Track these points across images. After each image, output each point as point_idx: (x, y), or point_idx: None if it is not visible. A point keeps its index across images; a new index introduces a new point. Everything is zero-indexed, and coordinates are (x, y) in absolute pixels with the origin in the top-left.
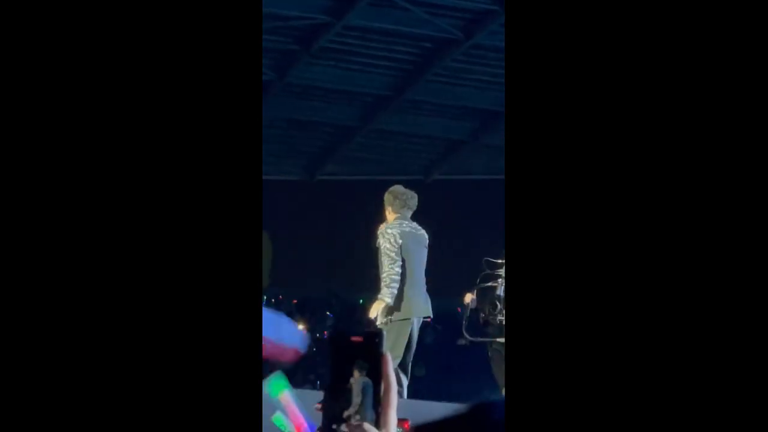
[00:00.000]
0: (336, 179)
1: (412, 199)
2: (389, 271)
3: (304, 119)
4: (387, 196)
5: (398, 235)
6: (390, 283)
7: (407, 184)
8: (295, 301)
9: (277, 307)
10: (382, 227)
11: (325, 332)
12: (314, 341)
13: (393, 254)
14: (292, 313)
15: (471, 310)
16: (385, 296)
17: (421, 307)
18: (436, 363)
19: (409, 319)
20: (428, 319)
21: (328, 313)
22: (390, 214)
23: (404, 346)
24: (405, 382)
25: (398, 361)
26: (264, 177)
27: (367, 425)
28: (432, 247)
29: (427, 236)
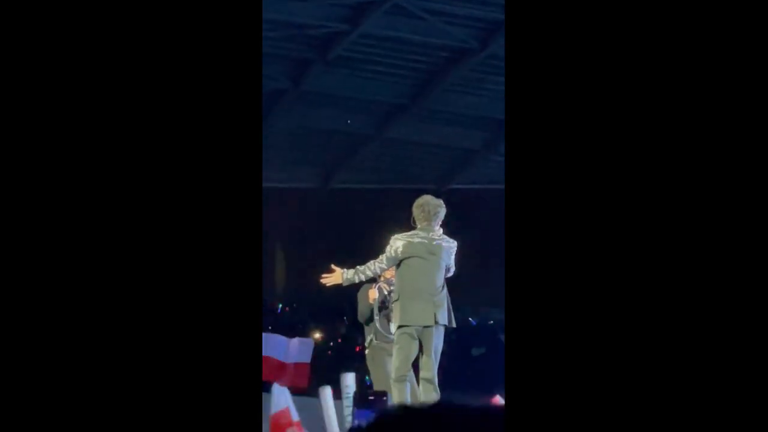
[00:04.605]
0: (351, 187)
1: (435, 209)
2: (370, 264)
3: (319, 127)
4: (413, 208)
5: (401, 247)
6: (363, 269)
7: (421, 193)
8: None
9: (292, 315)
10: (395, 235)
11: (339, 339)
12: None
13: (384, 258)
14: (307, 321)
15: (378, 306)
16: (347, 273)
17: (419, 315)
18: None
19: (409, 327)
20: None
21: (344, 318)
22: (416, 225)
23: (408, 358)
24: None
25: (405, 374)
26: (279, 185)
27: None
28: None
29: (445, 245)
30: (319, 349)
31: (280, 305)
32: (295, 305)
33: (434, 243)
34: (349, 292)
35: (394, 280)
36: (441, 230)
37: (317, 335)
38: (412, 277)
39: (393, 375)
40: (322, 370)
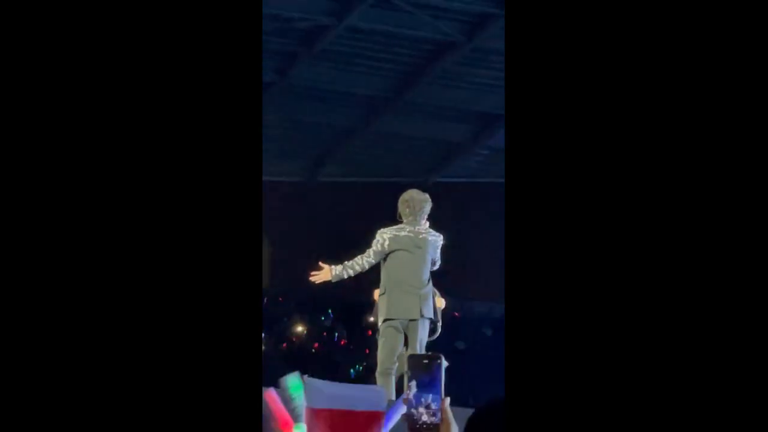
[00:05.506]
0: (336, 181)
1: (421, 204)
2: (357, 259)
3: (306, 121)
4: (399, 203)
5: (387, 240)
6: (351, 264)
7: (407, 187)
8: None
9: (278, 307)
10: (382, 229)
11: (324, 332)
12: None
13: (372, 252)
14: (292, 313)
15: None
16: (335, 269)
17: (404, 308)
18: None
19: (394, 320)
20: (431, 319)
21: (329, 311)
22: (402, 219)
23: (392, 351)
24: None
25: (390, 367)
26: (264, 178)
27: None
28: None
29: (430, 239)
30: (305, 342)
31: (266, 298)
32: (280, 298)
33: (420, 236)
34: (339, 286)
35: None
36: (427, 224)
37: (300, 328)
38: (398, 270)
39: (378, 368)
40: (310, 363)
